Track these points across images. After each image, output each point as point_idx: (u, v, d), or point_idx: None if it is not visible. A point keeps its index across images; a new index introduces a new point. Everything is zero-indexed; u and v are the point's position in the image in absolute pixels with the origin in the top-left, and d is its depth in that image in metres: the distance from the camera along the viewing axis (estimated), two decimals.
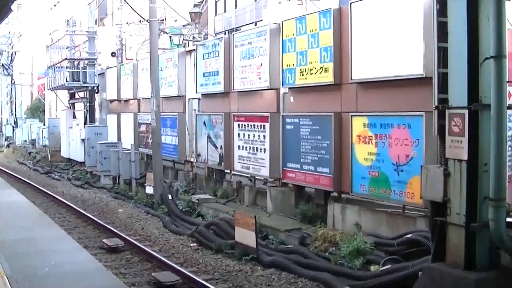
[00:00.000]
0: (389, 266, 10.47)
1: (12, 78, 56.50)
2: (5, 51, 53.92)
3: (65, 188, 25.37)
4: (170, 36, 30.94)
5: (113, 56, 33.00)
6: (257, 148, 16.95)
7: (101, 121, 33.20)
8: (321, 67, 14.36)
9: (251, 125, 17.27)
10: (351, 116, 13.34)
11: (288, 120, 15.65)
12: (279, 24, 16.10)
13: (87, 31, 34.83)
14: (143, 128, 26.03)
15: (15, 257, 10.82)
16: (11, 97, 56.88)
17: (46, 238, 12.79)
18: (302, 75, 15.03)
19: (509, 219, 7.57)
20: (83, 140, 29.78)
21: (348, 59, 13.43)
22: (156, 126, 20.28)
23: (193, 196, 19.23)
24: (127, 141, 26.23)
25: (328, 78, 14.14)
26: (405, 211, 11.98)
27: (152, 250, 13.47)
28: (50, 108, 53.24)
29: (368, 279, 10.32)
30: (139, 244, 14.02)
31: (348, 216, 13.40)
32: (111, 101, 31.85)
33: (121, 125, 29.30)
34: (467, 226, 7.58)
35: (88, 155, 27.84)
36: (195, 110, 22.15)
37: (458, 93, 7.74)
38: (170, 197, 18.87)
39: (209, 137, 19.64)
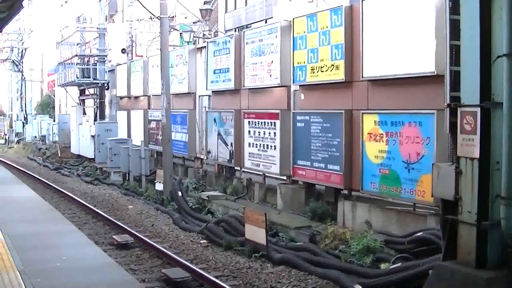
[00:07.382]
0: (399, 264, 10.43)
1: (22, 74, 56.83)
2: (16, 47, 54.11)
3: (75, 184, 25.45)
4: (180, 33, 30.97)
5: (123, 52, 33.05)
6: (267, 145, 16.95)
7: (111, 117, 33.29)
8: (332, 65, 14.34)
9: (261, 122, 17.27)
10: (362, 113, 13.32)
11: (298, 117, 15.65)
12: (290, 21, 16.10)
13: (97, 28, 34.86)
14: (153, 124, 26.12)
15: (26, 252, 10.87)
16: (21, 93, 57.23)
17: (56, 233, 12.84)
18: (313, 73, 15.02)
19: None
20: (93, 136, 29.92)
21: (359, 57, 13.42)
22: (166, 122, 20.34)
23: (203, 193, 19.26)
24: (137, 137, 26.33)
25: (339, 75, 14.13)
26: (416, 209, 11.96)
27: (162, 247, 13.48)
28: (60, 105, 53.42)
29: (378, 277, 10.28)
30: (149, 241, 14.04)
31: (358, 214, 13.39)
32: (121, 97, 32.01)
33: (131, 122, 29.39)
34: (478, 225, 7.53)
35: (98, 151, 27.97)
36: (205, 107, 22.16)
37: (470, 91, 7.69)
38: (180, 194, 18.90)
39: (219, 134, 19.67)
